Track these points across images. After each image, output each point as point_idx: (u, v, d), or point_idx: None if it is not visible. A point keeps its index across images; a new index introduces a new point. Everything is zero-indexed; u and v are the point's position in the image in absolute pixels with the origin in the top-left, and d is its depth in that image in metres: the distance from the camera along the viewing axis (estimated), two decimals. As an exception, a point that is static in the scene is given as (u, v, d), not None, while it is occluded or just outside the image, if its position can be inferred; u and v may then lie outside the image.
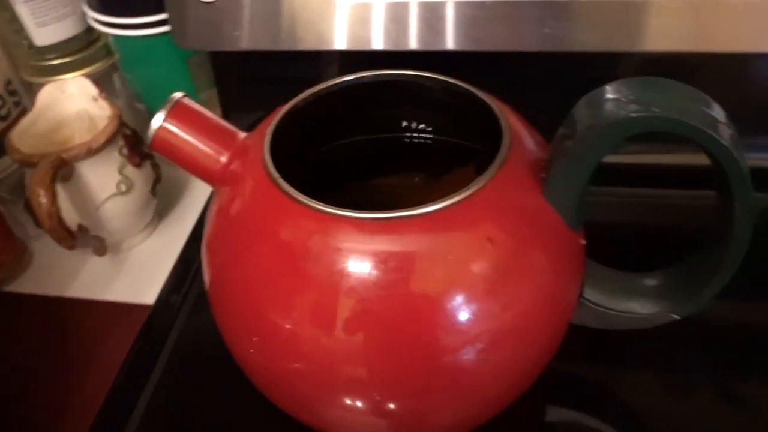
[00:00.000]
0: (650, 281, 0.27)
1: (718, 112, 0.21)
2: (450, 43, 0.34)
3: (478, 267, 0.22)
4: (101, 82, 0.43)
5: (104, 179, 0.37)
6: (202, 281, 0.37)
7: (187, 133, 0.27)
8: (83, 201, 0.37)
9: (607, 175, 0.26)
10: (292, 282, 0.23)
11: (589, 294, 0.27)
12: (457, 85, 0.27)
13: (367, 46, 0.35)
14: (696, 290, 0.25)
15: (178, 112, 0.27)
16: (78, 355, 0.36)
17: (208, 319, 0.36)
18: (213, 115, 0.28)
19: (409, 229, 0.22)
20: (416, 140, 0.32)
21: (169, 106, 0.27)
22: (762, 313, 0.34)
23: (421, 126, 0.31)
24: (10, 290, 0.39)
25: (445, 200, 0.22)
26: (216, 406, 0.32)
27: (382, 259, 0.22)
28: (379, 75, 0.28)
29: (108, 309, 0.38)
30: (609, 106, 0.21)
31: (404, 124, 0.31)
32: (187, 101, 0.28)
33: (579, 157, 0.22)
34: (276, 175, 0.24)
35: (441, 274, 0.22)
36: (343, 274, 0.22)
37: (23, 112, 0.43)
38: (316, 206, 0.22)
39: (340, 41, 0.35)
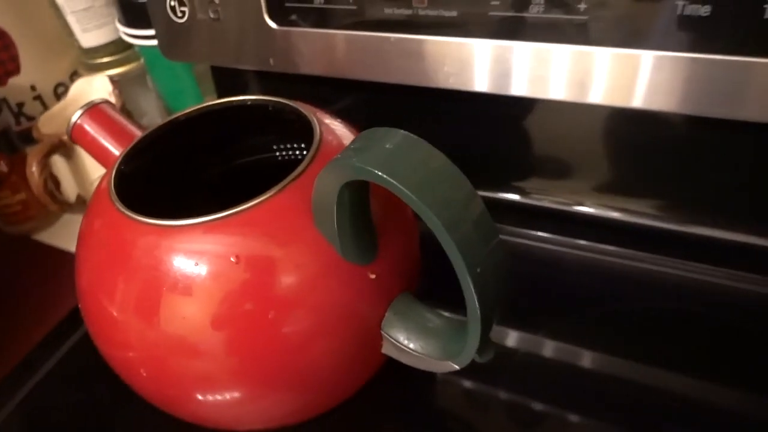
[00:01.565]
0: (437, 321, 0.27)
1: (474, 205, 0.22)
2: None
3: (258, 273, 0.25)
4: (137, 79, 0.51)
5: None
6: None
7: (95, 131, 0.33)
8: (81, 176, 0.45)
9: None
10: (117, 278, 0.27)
11: (389, 327, 0.28)
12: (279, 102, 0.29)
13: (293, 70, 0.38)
14: (466, 345, 0.25)
15: (92, 114, 0.33)
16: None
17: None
18: (124, 121, 0.33)
19: (203, 232, 0.25)
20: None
21: (87, 107, 0.33)
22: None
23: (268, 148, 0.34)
24: (41, 240, 0.49)
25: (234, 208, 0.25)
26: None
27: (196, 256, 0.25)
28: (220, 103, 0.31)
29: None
30: (345, 151, 0.23)
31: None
32: (105, 107, 0.33)
33: (322, 193, 0.24)
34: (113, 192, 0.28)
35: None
36: (157, 271, 0.26)
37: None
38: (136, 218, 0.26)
39: (283, 64, 0.38)
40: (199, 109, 0.32)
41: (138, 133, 0.33)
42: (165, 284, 0.25)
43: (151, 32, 0.46)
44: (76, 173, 0.45)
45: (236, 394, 0.27)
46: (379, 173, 0.21)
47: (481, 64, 0.32)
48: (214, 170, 0.36)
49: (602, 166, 0.39)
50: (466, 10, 0.31)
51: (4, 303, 0.43)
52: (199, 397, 0.27)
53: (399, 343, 0.27)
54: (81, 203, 0.45)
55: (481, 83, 0.33)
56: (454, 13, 0.32)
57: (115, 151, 0.32)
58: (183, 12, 0.40)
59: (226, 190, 0.34)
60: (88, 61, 0.52)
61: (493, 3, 0.30)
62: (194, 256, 0.24)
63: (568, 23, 0.29)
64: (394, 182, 0.21)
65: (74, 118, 0.33)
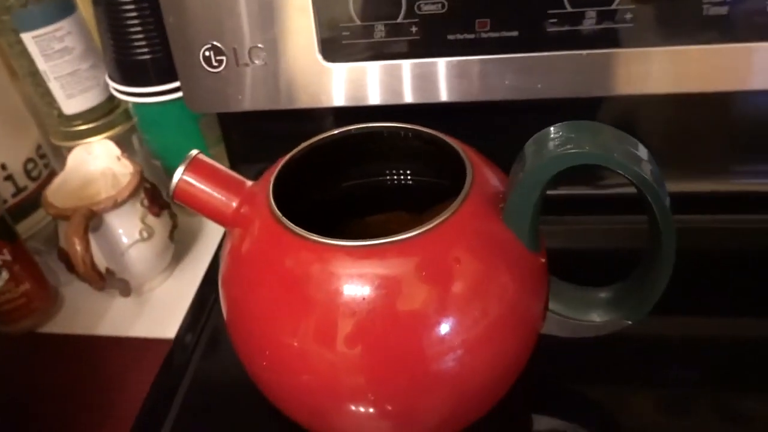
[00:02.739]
0: (604, 294, 0.31)
1: (641, 151, 0.26)
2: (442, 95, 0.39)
3: (449, 283, 0.27)
4: (122, 142, 0.48)
5: (128, 228, 0.42)
6: (216, 317, 0.42)
7: (202, 184, 0.32)
8: (110, 247, 0.41)
9: (562, 205, 0.30)
10: (296, 306, 0.27)
11: (554, 306, 0.31)
12: (427, 132, 0.32)
13: (361, 102, 0.40)
14: (640, 299, 0.29)
15: (195, 166, 0.32)
16: (107, 386, 0.40)
17: (223, 351, 0.41)
18: (224, 168, 0.33)
19: (391, 254, 0.26)
20: (400, 182, 0.37)
21: (187, 161, 0.32)
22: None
23: (402, 170, 0.36)
24: (45, 331, 0.44)
25: (418, 228, 0.26)
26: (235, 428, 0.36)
27: (370, 281, 0.26)
28: (363, 127, 0.33)
29: (132, 344, 0.42)
30: (551, 145, 0.26)
31: (387, 170, 0.36)
32: (202, 157, 0.33)
33: (528, 187, 0.27)
34: (279, 214, 0.28)
35: (418, 291, 0.26)
36: (337, 295, 0.26)
37: (52, 174, 0.49)
38: (314, 238, 0.27)
39: (337, 99, 0.40)
40: (341, 132, 0.33)
41: (236, 176, 0.33)
42: (353, 304, 0.26)
43: (150, 89, 0.44)
44: (104, 245, 0.41)
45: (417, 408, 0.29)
46: (601, 154, 0.25)
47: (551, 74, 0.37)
48: (350, 190, 0.36)
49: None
50: (525, 29, 0.36)
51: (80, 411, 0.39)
52: (362, 409, 0.28)
53: (565, 316, 0.31)
54: (111, 278, 0.42)
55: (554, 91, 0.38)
56: (515, 33, 0.37)
57: (227, 200, 0.32)
58: (220, 61, 0.40)
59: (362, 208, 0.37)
60: (65, 129, 0.48)
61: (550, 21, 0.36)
62: (378, 278, 0.26)
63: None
64: (620, 161, 0.25)
65: (178, 175, 0.31)
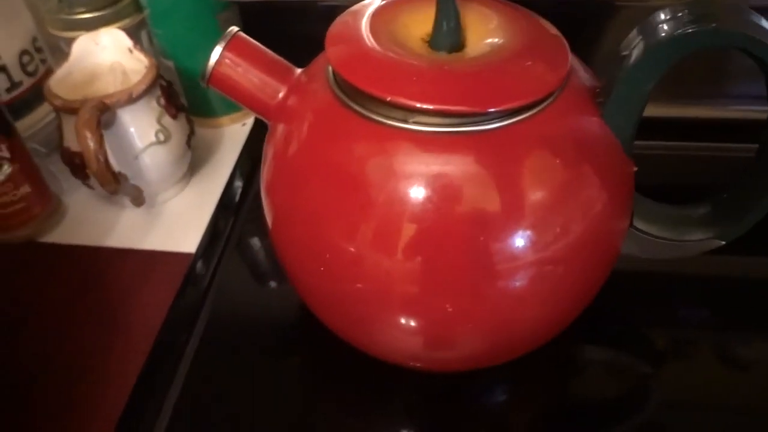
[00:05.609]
0: (696, 211, 0.28)
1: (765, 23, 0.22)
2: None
3: (536, 187, 0.23)
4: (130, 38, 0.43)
5: (144, 128, 0.37)
6: (240, 228, 0.38)
7: (244, 67, 0.27)
8: (123, 149, 0.37)
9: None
10: (356, 205, 0.24)
11: (638, 223, 0.28)
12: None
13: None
14: (741, 215, 0.26)
15: (236, 45, 0.27)
16: (116, 300, 0.36)
17: (248, 266, 0.37)
18: (269, 51, 0.28)
19: (468, 147, 0.23)
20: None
21: (227, 38, 0.27)
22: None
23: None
24: (46, 241, 0.39)
25: (504, 119, 0.22)
26: (264, 341, 0.33)
27: (440, 180, 0.22)
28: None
29: (146, 257, 0.38)
30: (667, 26, 0.22)
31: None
32: (244, 36, 0.28)
33: (638, 77, 0.23)
34: (342, 95, 0.24)
35: (498, 193, 0.23)
36: (402, 192, 0.23)
37: (49, 71, 0.43)
38: (390, 122, 0.23)
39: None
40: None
41: (284, 62, 0.28)
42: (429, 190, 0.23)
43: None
44: (116, 146, 0.36)
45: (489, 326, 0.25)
46: (735, 32, 0.21)
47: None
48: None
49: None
50: None
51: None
52: (419, 323, 0.25)
53: (649, 235, 0.28)
54: (123, 183, 0.37)
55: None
56: None
57: (273, 88, 0.27)
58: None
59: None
60: (66, 18, 0.42)
61: None
62: (451, 175, 0.22)
63: None
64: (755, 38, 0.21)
65: (216, 55, 0.27)
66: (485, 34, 0.25)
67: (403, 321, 0.25)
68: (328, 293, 0.27)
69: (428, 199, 0.23)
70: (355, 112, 0.24)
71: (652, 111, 0.30)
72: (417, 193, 0.23)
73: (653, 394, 0.30)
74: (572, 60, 0.26)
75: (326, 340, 0.29)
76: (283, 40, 0.44)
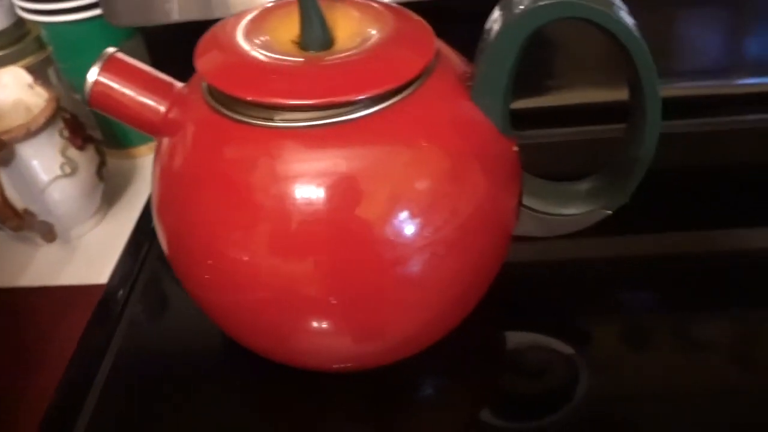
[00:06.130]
0: (581, 186, 0.29)
1: (622, 5, 0.23)
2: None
3: (413, 171, 0.23)
4: (36, 75, 0.42)
5: (47, 161, 0.36)
6: (153, 261, 0.37)
7: (123, 86, 0.27)
8: (27, 184, 0.36)
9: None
10: (240, 211, 0.24)
11: (529, 201, 0.28)
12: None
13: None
14: (621, 184, 0.27)
15: (113, 66, 0.27)
16: (34, 339, 0.35)
17: (161, 296, 0.37)
18: (149, 68, 0.28)
19: (340, 138, 0.23)
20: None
21: (102, 60, 0.27)
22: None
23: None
24: (-42, 287, 0.38)
25: (371, 106, 0.23)
26: (179, 370, 0.32)
27: (315, 174, 0.23)
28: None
29: (63, 293, 0.37)
30: (521, 2, 0.23)
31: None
32: (121, 55, 0.28)
33: (498, 54, 0.24)
34: (214, 103, 0.24)
35: (379, 184, 0.23)
36: (282, 194, 0.23)
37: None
38: (257, 122, 0.23)
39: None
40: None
41: (164, 77, 0.28)
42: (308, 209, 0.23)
43: (62, 5, 0.39)
44: (20, 182, 0.36)
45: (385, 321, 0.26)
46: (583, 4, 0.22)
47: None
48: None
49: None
50: None
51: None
52: (327, 324, 0.25)
53: (541, 212, 0.28)
54: (30, 221, 0.37)
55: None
56: None
57: (155, 104, 0.27)
58: (140, -37, 0.35)
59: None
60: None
61: None
62: (330, 171, 0.23)
63: None
64: (604, 11, 0.22)
65: (92, 76, 0.27)
66: (353, 30, 0.26)
67: (314, 324, 0.25)
68: (233, 307, 0.26)
69: (307, 193, 0.23)
70: (226, 116, 0.24)
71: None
72: (295, 190, 0.23)
73: (581, 380, 0.30)
74: (442, 47, 0.26)
75: (246, 362, 0.29)
76: (189, 65, 0.44)
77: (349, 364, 0.29)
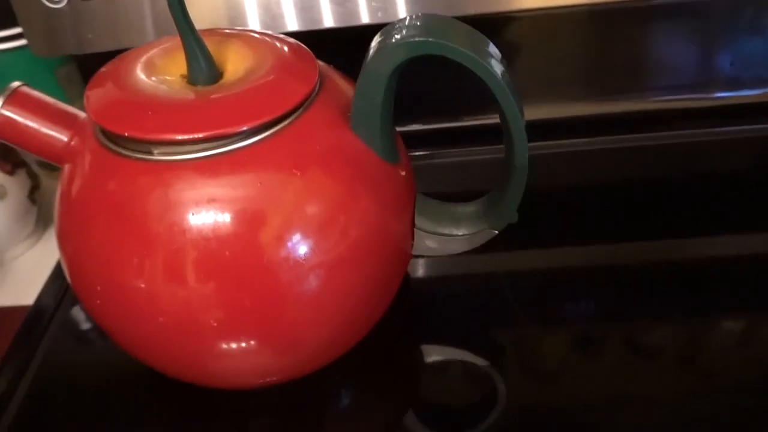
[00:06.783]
0: (469, 207, 0.30)
1: (492, 48, 0.25)
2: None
3: (294, 199, 0.24)
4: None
5: (-27, 187, 0.37)
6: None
7: (27, 118, 0.28)
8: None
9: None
10: (131, 241, 0.24)
11: (421, 222, 0.29)
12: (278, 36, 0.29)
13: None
14: (504, 205, 0.28)
15: (17, 100, 0.28)
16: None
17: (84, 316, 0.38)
18: (54, 100, 0.29)
19: (226, 169, 0.24)
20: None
21: (6, 94, 0.28)
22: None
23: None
24: None
25: (253, 136, 0.24)
26: (97, 398, 0.33)
27: (206, 203, 0.24)
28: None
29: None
30: (395, 35, 0.24)
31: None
32: (27, 90, 0.29)
33: (371, 82, 0.25)
34: (102, 138, 0.25)
35: (265, 210, 0.24)
36: (168, 224, 0.24)
37: None
38: (137, 156, 0.24)
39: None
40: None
41: (69, 109, 0.29)
42: (190, 237, 0.24)
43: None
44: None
45: (277, 343, 0.27)
46: (440, 41, 0.23)
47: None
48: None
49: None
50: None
51: None
52: (228, 351, 0.26)
53: (435, 233, 0.30)
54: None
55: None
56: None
57: (57, 134, 0.28)
58: (59, -5, 0.36)
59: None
60: None
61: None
62: (220, 194, 0.24)
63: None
64: (455, 46, 0.23)
65: (-4, 109, 0.28)
66: (241, 63, 0.27)
67: (219, 345, 0.26)
68: (134, 334, 0.27)
69: (182, 223, 0.24)
70: (110, 149, 0.25)
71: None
72: (174, 220, 0.24)
73: (499, 392, 0.32)
74: (330, 75, 0.28)
75: (166, 385, 0.30)
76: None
77: (264, 380, 0.30)
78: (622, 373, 0.31)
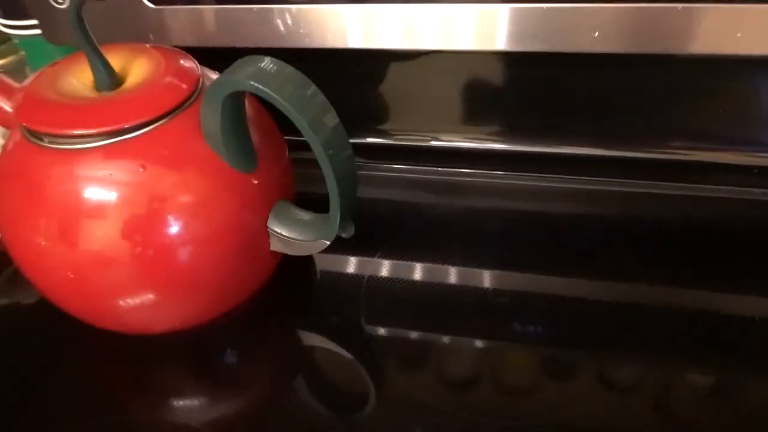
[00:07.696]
0: (308, 216, 0.35)
1: (310, 90, 0.29)
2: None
3: (164, 183, 0.31)
4: (15, 73, 0.54)
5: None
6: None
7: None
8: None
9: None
10: (38, 209, 0.32)
11: (272, 224, 0.35)
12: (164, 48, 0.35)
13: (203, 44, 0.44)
14: (330, 223, 0.33)
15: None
16: None
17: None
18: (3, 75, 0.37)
19: (118, 154, 0.30)
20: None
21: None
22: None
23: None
24: None
25: (137, 130, 0.31)
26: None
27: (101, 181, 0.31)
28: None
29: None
30: (227, 72, 0.30)
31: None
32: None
33: (205, 112, 0.31)
34: (24, 131, 0.33)
35: (142, 189, 0.31)
36: (68, 193, 0.31)
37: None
38: (52, 146, 0.31)
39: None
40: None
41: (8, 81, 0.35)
42: (79, 207, 0.31)
43: (32, 22, 0.50)
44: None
45: (149, 298, 0.33)
46: (252, 83, 0.28)
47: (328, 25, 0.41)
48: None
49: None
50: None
51: None
52: (119, 302, 0.33)
53: (282, 235, 0.35)
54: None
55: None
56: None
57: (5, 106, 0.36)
58: (63, -2, 0.45)
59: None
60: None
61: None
62: (102, 179, 0.30)
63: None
64: (264, 89, 0.28)
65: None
66: (139, 73, 0.34)
67: (119, 300, 0.33)
68: (51, 284, 0.34)
69: (72, 196, 0.31)
70: (31, 141, 0.32)
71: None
72: (64, 194, 0.31)
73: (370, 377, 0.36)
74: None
75: (83, 333, 0.36)
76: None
77: (165, 327, 0.36)
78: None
